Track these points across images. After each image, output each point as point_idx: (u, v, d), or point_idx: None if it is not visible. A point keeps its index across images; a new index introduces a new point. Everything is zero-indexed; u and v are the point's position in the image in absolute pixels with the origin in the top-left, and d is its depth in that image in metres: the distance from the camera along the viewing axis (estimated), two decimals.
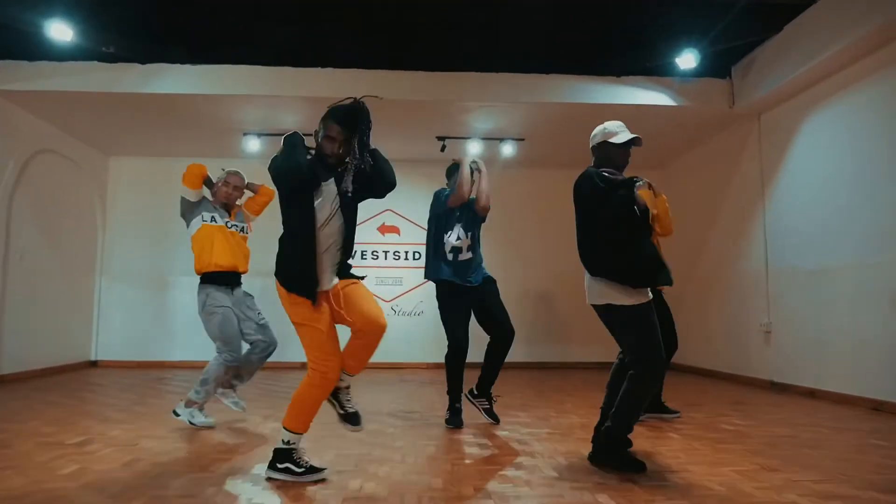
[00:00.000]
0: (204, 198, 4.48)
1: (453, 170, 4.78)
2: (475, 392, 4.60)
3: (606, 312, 3.33)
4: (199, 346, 8.42)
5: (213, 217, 4.39)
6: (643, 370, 3.14)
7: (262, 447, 3.65)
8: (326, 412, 3.11)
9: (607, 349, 5.42)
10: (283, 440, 2.98)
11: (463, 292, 4.45)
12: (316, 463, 3.05)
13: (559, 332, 8.95)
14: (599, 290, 3.29)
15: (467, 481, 2.97)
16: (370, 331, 2.98)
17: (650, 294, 3.27)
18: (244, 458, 3.41)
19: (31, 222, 7.12)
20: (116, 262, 8.71)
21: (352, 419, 3.07)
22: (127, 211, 8.83)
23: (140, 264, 8.70)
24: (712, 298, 7.85)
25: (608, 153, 3.48)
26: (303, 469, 2.95)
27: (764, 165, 6.81)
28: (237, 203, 4.61)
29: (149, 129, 7.73)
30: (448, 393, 4.48)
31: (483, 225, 4.73)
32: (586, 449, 3.44)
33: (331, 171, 3.08)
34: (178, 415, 4.27)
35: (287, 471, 2.94)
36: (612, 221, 3.28)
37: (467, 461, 3.37)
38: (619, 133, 3.45)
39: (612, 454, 3.19)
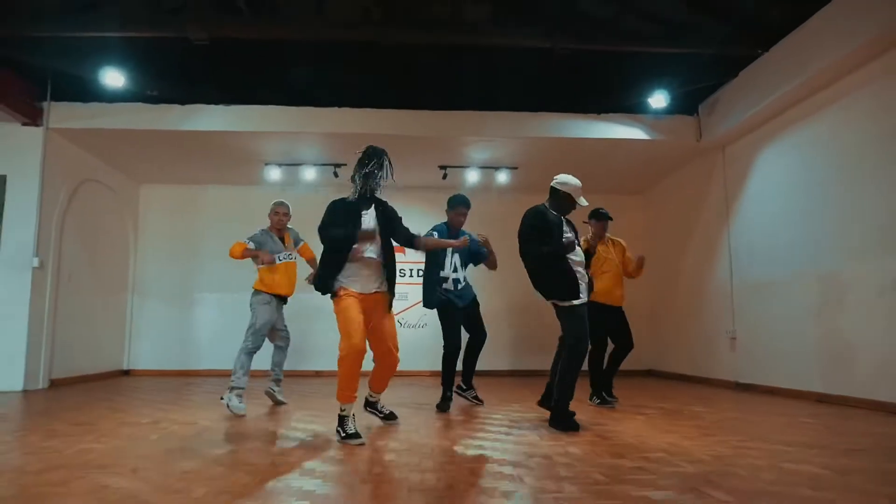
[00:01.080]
0: (265, 233, 5.68)
1: (454, 201, 5.86)
2: (463, 387, 5.91)
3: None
4: (221, 357, 9.26)
5: (276, 258, 5.57)
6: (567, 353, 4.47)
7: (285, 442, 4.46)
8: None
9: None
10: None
11: (458, 310, 5.67)
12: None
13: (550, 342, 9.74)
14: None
15: (471, 476, 3.78)
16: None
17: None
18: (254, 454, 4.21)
19: (77, 244, 7.98)
20: (147, 281, 9.55)
21: (389, 417, 4.59)
22: (156, 234, 9.70)
23: (168, 282, 9.55)
24: (687, 310, 8.71)
25: (563, 201, 4.68)
26: (344, 434, 3.88)
27: (728, 191, 7.71)
28: (288, 226, 5.81)
29: (180, 161, 8.63)
30: (442, 384, 5.59)
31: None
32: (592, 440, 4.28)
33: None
34: (223, 398, 5.23)
35: (338, 433, 3.92)
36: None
37: (469, 454, 4.18)
38: (580, 197, 4.66)
39: (559, 419, 4.34)
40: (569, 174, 4.75)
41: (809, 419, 4.81)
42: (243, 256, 5.52)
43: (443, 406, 5.47)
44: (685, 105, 7.64)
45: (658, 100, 7.19)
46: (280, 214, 5.67)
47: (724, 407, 5.64)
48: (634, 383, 8.29)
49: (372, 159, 4.33)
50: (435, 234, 5.71)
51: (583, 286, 4.51)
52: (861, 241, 5.56)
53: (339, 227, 4.01)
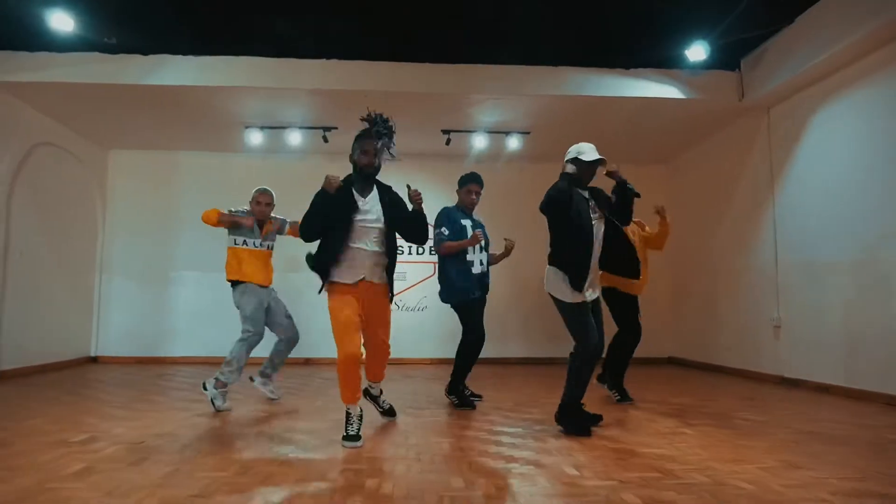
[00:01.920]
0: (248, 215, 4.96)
1: (465, 178, 5.33)
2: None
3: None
4: (200, 342, 8.39)
5: (244, 241, 4.93)
6: (573, 353, 3.99)
7: (265, 440, 3.57)
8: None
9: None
10: None
11: (483, 301, 5.12)
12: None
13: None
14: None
15: (488, 479, 2.88)
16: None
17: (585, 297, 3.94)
18: (256, 460, 3.32)
19: (31, 217, 7.01)
20: (117, 257, 8.60)
21: (388, 413, 4.33)
22: (127, 205, 8.72)
23: (141, 259, 8.60)
24: (720, 293, 7.77)
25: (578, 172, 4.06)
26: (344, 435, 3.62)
27: (773, 159, 6.73)
28: (272, 216, 5.13)
29: (150, 123, 7.62)
30: (457, 378, 5.02)
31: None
32: (602, 444, 3.36)
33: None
34: (205, 389, 4.67)
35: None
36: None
37: (484, 459, 3.28)
38: (588, 152, 4.08)
39: (563, 418, 3.94)
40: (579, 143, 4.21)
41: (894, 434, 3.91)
42: (219, 223, 4.77)
43: (465, 402, 4.95)
44: (725, 59, 6.60)
45: (696, 52, 6.17)
46: (262, 205, 5.01)
47: (780, 413, 4.73)
48: (659, 375, 7.40)
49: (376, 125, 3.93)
50: (444, 230, 5.03)
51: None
52: None
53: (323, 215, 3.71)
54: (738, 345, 7.32)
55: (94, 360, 8.37)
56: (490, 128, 7.78)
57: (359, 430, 3.62)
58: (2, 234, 6.50)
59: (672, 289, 9.03)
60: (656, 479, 2.88)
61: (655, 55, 6.48)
